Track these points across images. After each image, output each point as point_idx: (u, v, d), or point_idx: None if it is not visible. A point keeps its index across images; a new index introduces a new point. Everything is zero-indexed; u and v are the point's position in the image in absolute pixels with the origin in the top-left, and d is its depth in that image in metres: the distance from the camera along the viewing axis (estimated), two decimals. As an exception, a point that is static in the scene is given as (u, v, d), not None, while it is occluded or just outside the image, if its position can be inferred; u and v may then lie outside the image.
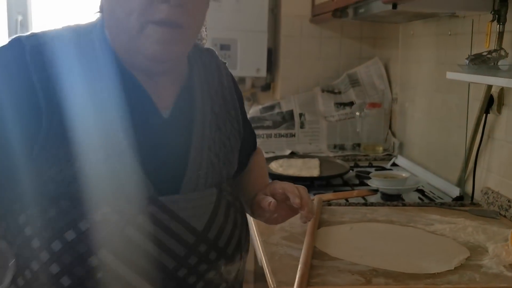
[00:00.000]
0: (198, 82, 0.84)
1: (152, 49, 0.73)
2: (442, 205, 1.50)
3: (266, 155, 2.07)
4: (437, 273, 1.00)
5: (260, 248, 1.15)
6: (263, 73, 2.42)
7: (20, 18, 2.55)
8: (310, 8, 2.39)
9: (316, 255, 1.08)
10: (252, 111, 2.39)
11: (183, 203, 0.75)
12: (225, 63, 0.94)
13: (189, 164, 0.77)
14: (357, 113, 2.23)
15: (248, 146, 0.99)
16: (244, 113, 0.95)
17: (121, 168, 0.71)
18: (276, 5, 2.49)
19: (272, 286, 0.97)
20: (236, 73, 2.40)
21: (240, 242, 0.83)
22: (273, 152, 2.21)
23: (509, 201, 1.36)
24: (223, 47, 2.38)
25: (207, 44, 0.96)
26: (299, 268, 0.99)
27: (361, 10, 1.74)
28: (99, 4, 0.80)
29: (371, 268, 1.02)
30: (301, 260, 1.03)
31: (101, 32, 0.77)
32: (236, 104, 0.91)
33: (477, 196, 1.52)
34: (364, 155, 2.17)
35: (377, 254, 1.09)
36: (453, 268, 1.03)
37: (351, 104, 2.33)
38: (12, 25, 2.52)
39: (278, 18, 2.47)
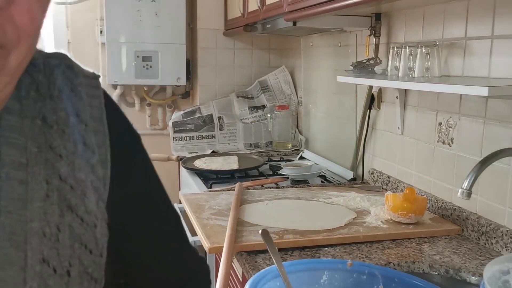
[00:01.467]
0: (12, 131, 0.47)
1: None
2: (339, 184, 1.84)
3: (189, 155, 2.32)
4: (332, 228, 1.31)
5: (194, 222, 1.39)
6: (183, 81, 2.67)
7: None
8: (224, 23, 2.68)
9: (239, 223, 1.35)
10: (174, 116, 2.61)
11: None
12: (97, 76, 0.55)
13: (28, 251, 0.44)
14: (269, 115, 2.54)
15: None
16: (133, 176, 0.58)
17: None
18: (192, 20, 2.75)
19: (207, 246, 1.21)
20: (158, 82, 2.64)
21: None
22: (196, 153, 2.45)
23: (388, 177, 1.72)
24: (145, 58, 2.60)
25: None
26: (227, 232, 1.25)
27: (268, 26, 2.05)
28: None
29: (283, 229, 1.31)
30: (228, 226, 1.29)
31: None
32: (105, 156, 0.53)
33: (366, 176, 1.88)
34: (276, 151, 2.49)
35: (288, 220, 1.38)
36: (343, 225, 1.34)
37: (263, 107, 2.64)
38: None
39: (195, 31, 2.73)
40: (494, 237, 1.22)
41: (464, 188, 0.96)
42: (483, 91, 0.98)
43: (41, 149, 0.47)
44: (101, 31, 2.68)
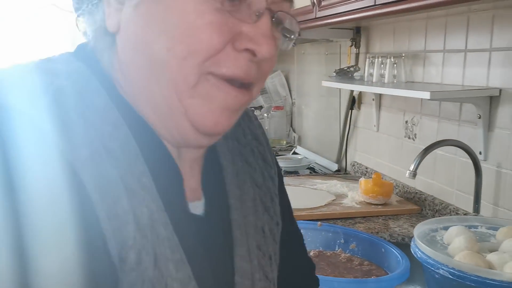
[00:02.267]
0: (223, 148, 0.57)
1: (211, 117, 0.46)
2: (324, 174, 2.12)
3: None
4: (314, 207, 1.59)
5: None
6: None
7: None
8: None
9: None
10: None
11: None
12: (253, 110, 0.70)
13: (236, 280, 0.52)
14: (265, 115, 2.82)
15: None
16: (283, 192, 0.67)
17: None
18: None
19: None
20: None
21: None
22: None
23: (366, 168, 2.00)
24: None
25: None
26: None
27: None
28: (110, 20, 0.46)
29: (273, 207, 1.58)
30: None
31: (104, 76, 0.47)
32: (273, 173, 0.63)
33: (349, 168, 2.16)
34: (272, 147, 2.76)
35: (278, 201, 1.66)
36: (323, 204, 1.62)
37: (260, 107, 2.92)
38: None
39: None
40: (444, 214, 1.50)
41: (411, 170, 1.24)
42: (426, 95, 1.26)
43: (243, 163, 0.58)
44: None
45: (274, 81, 2.99)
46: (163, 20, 0.44)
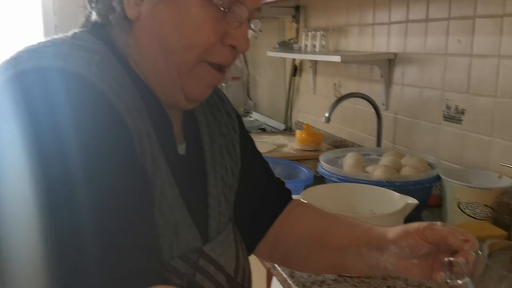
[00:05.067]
0: (197, 107, 0.72)
1: (199, 91, 0.64)
2: (272, 132, 2.50)
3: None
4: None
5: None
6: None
7: None
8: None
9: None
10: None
11: (218, 248, 0.66)
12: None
13: (210, 201, 0.68)
14: (224, 85, 3.16)
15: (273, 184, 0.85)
16: (250, 143, 0.84)
17: (172, 216, 0.59)
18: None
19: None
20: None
21: (251, 278, 0.76)
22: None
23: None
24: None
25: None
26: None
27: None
28: (130, 10, 0.61)
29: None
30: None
31: (118, 52, 0.61)
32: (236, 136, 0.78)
33: (293, 126, 2.54)
34: (230, 113, 3.11)
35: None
36: (266, 151, 1.99)
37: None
38: None
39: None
40: (360, 154, 1.89)
41: (326, 116, 1.62)
42: (338, 58, 1.63)
43: (212, 117, 0.75)
44: (84, 17, 3.22)
45: (232, 55, 3.32)
46: (176, 20, 0.60)
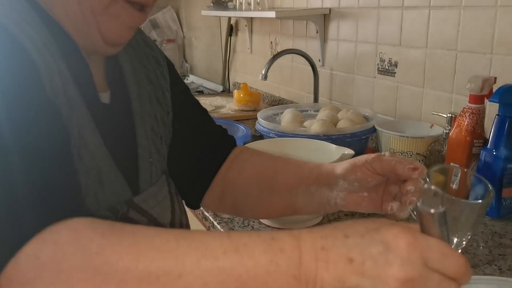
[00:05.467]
0: (122, 53, 0.67)
1: (118, 33, 0.58)
2: (210, 94, 2.45)
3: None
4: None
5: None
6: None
7: None
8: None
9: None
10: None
11: (151, 200, 0.64)
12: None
13: (139, 152, 0.64)
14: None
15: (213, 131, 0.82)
16: (185, 92, 0.80)
17: (94, 165, 0.55)
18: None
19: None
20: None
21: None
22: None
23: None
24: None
25: None
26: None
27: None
28: None
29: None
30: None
31: None
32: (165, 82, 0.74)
33: (231, 88, 2.50)
34: (166, 77, 3.02)
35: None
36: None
37: (154, 41, 3.14)
38: None
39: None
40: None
41: (262, 74, 1.60)
42: (272, 14, 1.60)
43: (138, 64, 0.69)
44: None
45: (165, 16, 3.20)
46: None
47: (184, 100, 0.78)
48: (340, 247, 0.42)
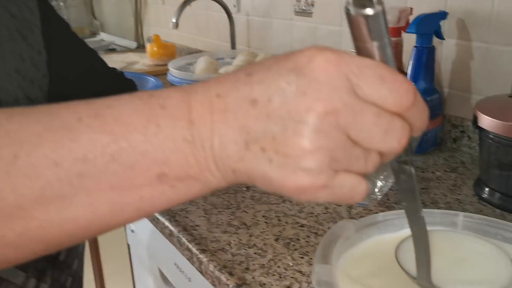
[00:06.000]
0: None
1: None
2: (123, 51, 2.28)
3: None
4: (106, 73, 1.76)
5: None
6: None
7: None
8: None
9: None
10: None
11: None
12: None
13: (1, 98, 0.58)
14: (62, 4, 2.80)
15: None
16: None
17: None
18: None
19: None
20: None
21: None
22: None
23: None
24: None
25: None
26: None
27: None
28: None
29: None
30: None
31: None
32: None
33: (146, 43, 2.34)
34: (75, 37, 2.79)
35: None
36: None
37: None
38: None
39: None
40: (217, 64, 1.79)
41: (173, 21, 1.47)
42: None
43: None
44: None
45: (68, -30, 2.92)
46: None
47: (63, 39, 0.66)
48: (241, 89, 0.31)
